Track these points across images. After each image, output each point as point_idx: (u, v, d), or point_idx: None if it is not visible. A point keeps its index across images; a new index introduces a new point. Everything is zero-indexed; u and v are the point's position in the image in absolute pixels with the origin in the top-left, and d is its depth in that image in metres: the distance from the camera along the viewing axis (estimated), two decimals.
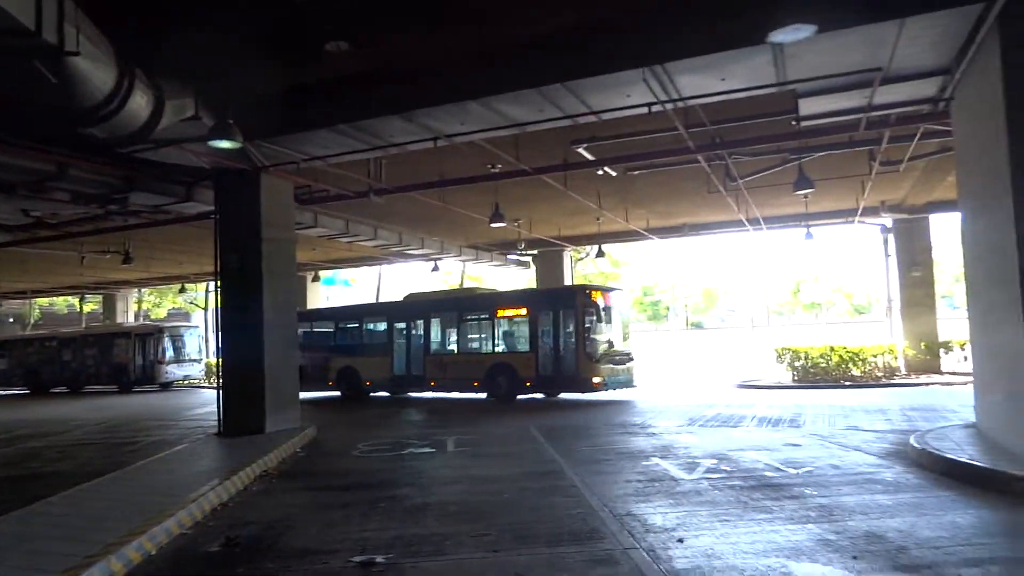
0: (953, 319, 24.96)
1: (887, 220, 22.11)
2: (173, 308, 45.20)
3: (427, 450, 10.90)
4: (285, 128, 10.64)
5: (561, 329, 17.47)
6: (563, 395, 18.26)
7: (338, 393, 21.16)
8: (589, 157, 13.10)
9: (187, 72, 9.19)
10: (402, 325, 20.68)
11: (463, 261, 28.93)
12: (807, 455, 9.11)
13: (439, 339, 20.14)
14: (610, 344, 17.53)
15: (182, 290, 37.80)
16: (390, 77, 9.71)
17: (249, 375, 12.38)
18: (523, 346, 18.17)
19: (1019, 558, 5.18)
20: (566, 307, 17.39)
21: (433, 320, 20.09)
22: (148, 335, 29.10)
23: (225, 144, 9.17)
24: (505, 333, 18.91)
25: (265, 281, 12.57)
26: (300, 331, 21.50)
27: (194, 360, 30.39)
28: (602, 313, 17.39)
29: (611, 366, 17.23)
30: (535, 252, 27.34)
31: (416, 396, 20.87)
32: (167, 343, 29.06)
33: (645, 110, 9.55)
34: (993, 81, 7.50)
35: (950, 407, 13.32)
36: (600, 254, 27.05)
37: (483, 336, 19.20)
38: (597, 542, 5.71)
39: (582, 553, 5.46)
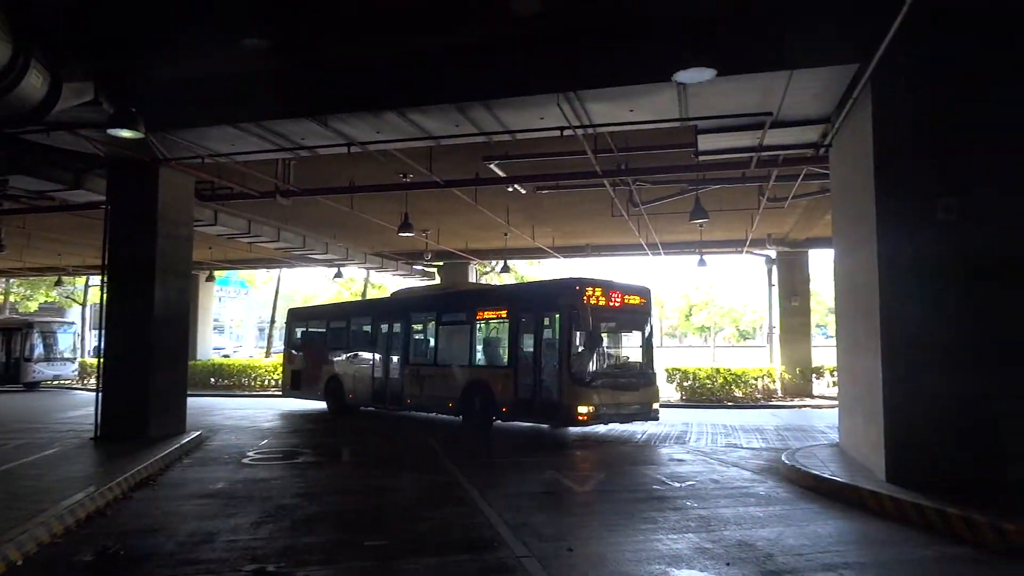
0: (826, 347, 26.93)
1: (772, 252, 23.66)
2: (46, 302, 41.96)
3: (320, 459, 10.72)
4: (191, 121, 10.25)
5: (541, 338, 12.94)
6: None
7: (324, 406, 18.23)
8: (500, 174, 13.36)
9: (90, 55, 8.73)
10: (384, 328, 17.02)
11: (367, 269, 28.58)
12: (690, 470, 9.65)
13: (417, 348, 16.27)
14: (612, 360, 13.52)
15: (58, 283, 35.19)
16: (307, 79, 9.60)
17: (133, 375, 11.76)
18: (501, 359, 13.93)
19: (868, 563, 5.74)
20: (549, 308, 12.81)
21: (414, 324, 16.42)
22: (14, 330, 26.90)
23: (126, 133, 8.75)
24: (485, 342, 14.82)
25: (157, 277, 12.01)
26: (297, 331, 20.46)
27: (67, 359, 28.35)
28: (597, 317, 12.53)
29: (611, 392, 12.39)
30: (441, 263, 27.38)
31: (408, 414, 16.40)
32: (36, 339, 26.97)
33: (557, 133, 9.89)
34: (864, 133, 8.32)
35: (819, 427, 14.43)
36: (505, 269, 27.47)
37: (460, 346, 14.77)
38: (492, 551, 5.86)
39: (476, 562, 5.59)
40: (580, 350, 12.19)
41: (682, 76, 7.70)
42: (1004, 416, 7.39)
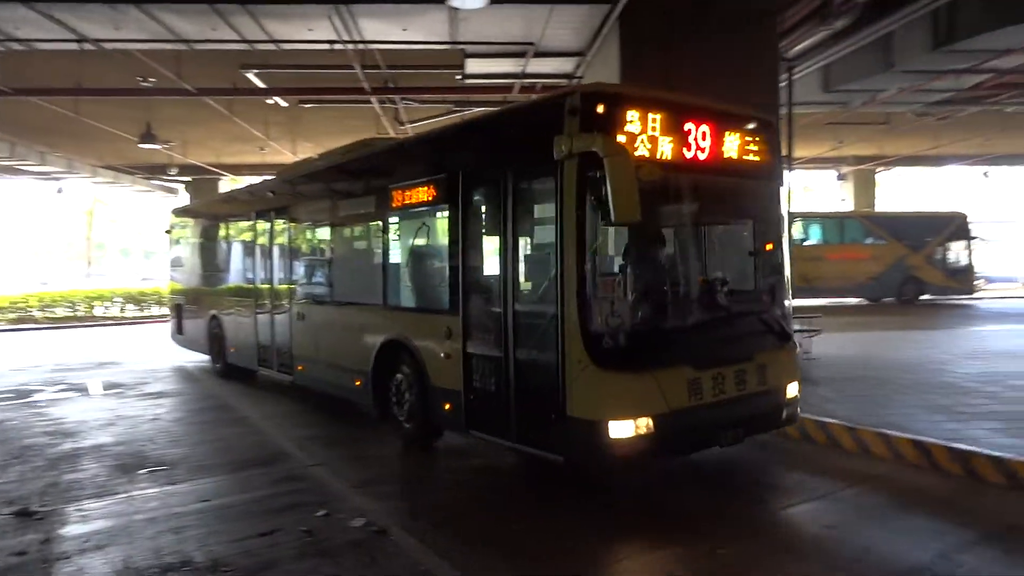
0: None
1: None
2: None
3: (65, 396, 9.75)
4: None
5: (515, 244, 5.28)
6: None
7: (208, 359, 11.52)
8: (260, 84, 12.56)
9: None
10: (265, 235, 9.47)
11: (97, 183, 25.14)
12: None
13: (307, 269, 8.74)
14: (689, 289, 5.38)
15: None
16: None
17: None
18: (436, 295, 6.34)
19: None
20: (531, 171, 5.19)
21: (299, 223, 8.79)
22: None
23: None
24: (407, 258, 6.96)
25: None
26: (180, 244, 13.14)
27: None
28: (656, 187, 4.68)
29: (695, 370, 4.82)
30: (188, 179, 25.02)
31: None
32: None
33: (326, 46, 9.59)
34: (612, 68, 9.30)
35: None
36: None
37: (364, 265, 7.52)
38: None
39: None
40: (615, 270, 4.92)
41: (455, 0, 7.92)
42: None
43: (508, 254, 5.20)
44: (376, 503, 5.02)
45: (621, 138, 4.56)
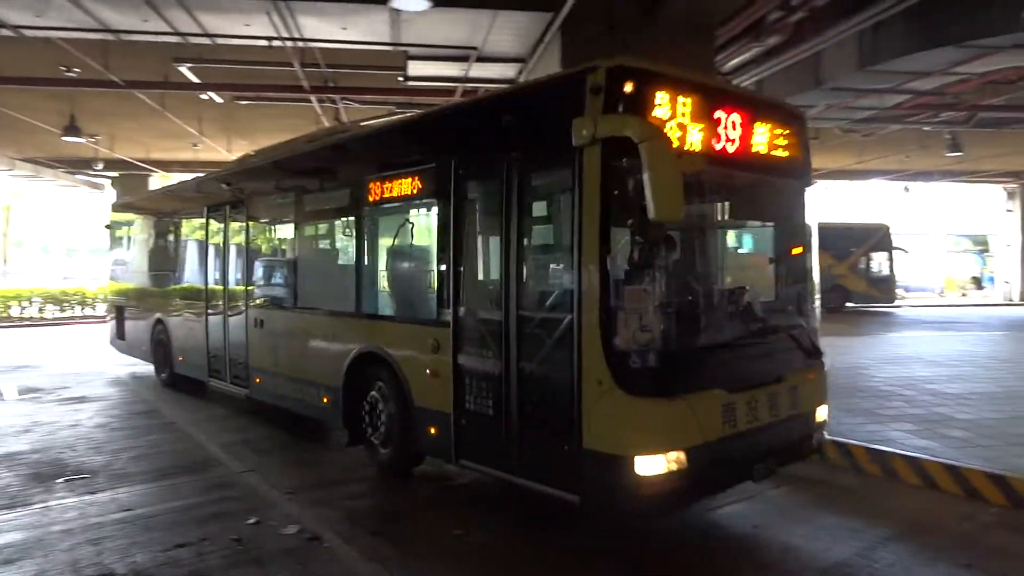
0: None
1: None
2: None
3: None
4: None
5: (519, 246, 4.42)
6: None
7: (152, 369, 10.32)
8: (194, 79, 12.18)
9: None
10: (217, 232, 8.52)
11: (15, 176, 23.85)
12: None
13: (265, 271, 7.83)
14: (719, 297, 4.79)
15: None
16: None
17: None
18: (423, 302, 5.57)
19: None
20: (542, 160, 4.41)
21: (257, 219, 7.90)
22: None
23: None
24: (387, 258, 6.14)
25: None
26: (122, 241, 12.01)
27: None
28: (694, 183, 4.00)
29: (730, 392, 4.08)
30: (115, 175, 23.98)
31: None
32: None
33: (264, 43, 9.37)
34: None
35: None
36: None
37: (335, 267, 6.97)
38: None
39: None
40: (641, 276, 3.84)
41: (397, 2, 7.86)
42: None
43: (512, 256, 4.37)
44: (310, 510, 4.92)
45: (658, 114, 3.88)
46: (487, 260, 5.01)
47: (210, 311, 8.36)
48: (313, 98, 13.27)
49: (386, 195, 5.62)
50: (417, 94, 13.05)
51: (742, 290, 4.79)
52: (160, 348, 9.81)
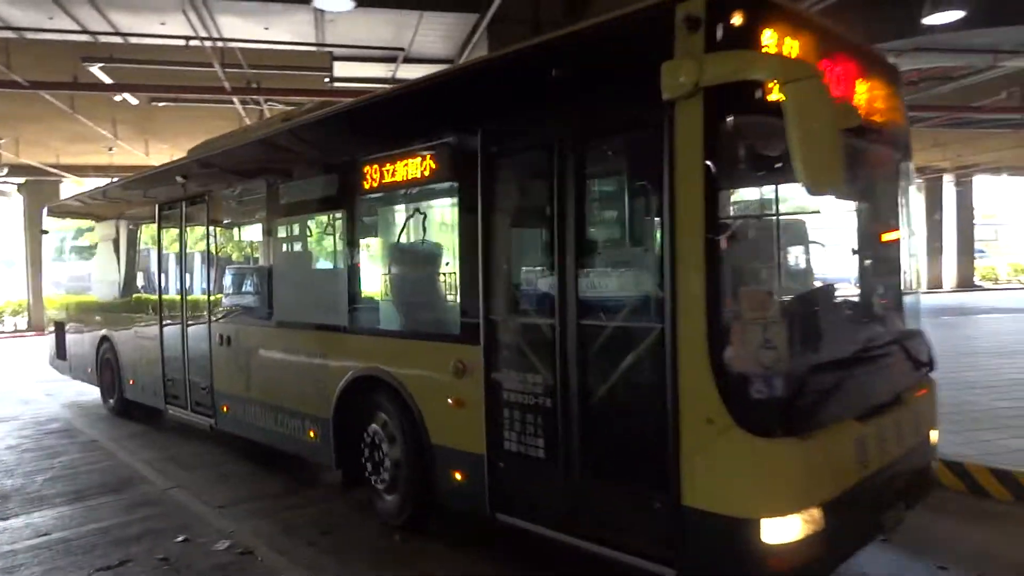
0: None
1: None
2: None
3: None
4: None
5: (581, 239, 3.44)
6: None
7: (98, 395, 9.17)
8: (106, 79, 11.62)
9: None
10: (170, 234, 7.39)
11: None
12: None
13: (233, 279, 6.65)
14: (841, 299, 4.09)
15: None
16: None
17: None
18: (438, 313, 4.56)
19: None
20: (597, 128, 3.45)
21: (220, 219, 6.82)
22: None
23: None
24: (391, 259, 4.96)
25: None
26: (61, 247, 10.80)
27: None
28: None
29: (860, 427, 3.22)
30: (22, 180, 22.69)
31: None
32: None
33: (182, 42, 9.04)
34: None
35: None
36: None
37: (323, 271, 5.75)
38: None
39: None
40: (766, 272, 3.55)
41: (320, 2, 7.73)
42: None
43: (569, 250, 3.37)
44: (242, 523, 4.77)
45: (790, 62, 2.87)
46: (531, 256, 3.99)
47: (166, 326, 7.21)
48: (236, 100, 12.87)
49: (388, 180, 4.50)
50: (344, 96, 12.84)
51: (873, 286, 3.95)
52: (107, 370, 8.59)
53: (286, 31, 9.16)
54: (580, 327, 3.34)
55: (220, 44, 9.75)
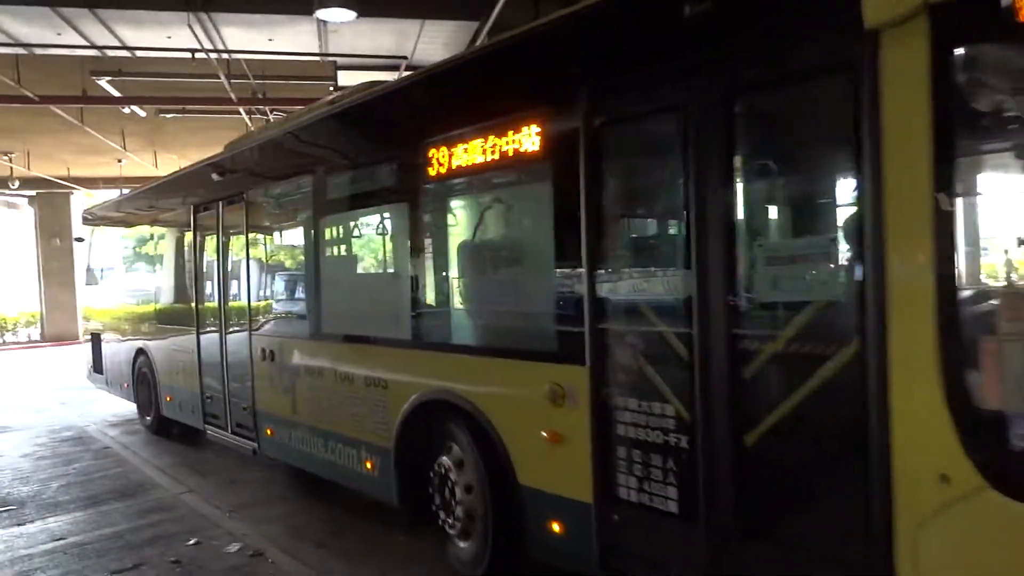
0: None
1: None
2: None
3: None
4: None
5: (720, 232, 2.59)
6: None
7: (134, 410, 8.68)
8: (114, 93, 11.80)
9: None
10: (209, 239, 6.77)
11: None
12: None
13: (282, 287, 5.99)
14: None
15: None
16: None
17: None
18: (528, 326, 3.59)
19: None
20: (758, 80, 2.52)
21: (259, 222, 6.04)
22: None
23: None
24: (465, 267, 4.10)
25: None
26: (101, 254, 10.08)
27: None
28: None
29: None
30: (33, 193, 22.98)
31: None
32: None
33: (187, 54, 9.19)
34: None
35: None
36: None
37: (388, 281, 4.59)
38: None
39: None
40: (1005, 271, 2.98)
41: (323, 14, 7.84)
42: None
43: (709, 237, 2.59)
44: (253, 526, 4.86)
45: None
46: (654, 250, 3.25)
47: (202, 338, 6.57)
48: (242, 110, 13.02)
49: (459, 166, 3.67)
50: None
51: None
52: (143, 385, 8.07)
53: (290, 42, 9.30)
54: (731, 339, 2.53)
55: (225, 56, 9.90)
